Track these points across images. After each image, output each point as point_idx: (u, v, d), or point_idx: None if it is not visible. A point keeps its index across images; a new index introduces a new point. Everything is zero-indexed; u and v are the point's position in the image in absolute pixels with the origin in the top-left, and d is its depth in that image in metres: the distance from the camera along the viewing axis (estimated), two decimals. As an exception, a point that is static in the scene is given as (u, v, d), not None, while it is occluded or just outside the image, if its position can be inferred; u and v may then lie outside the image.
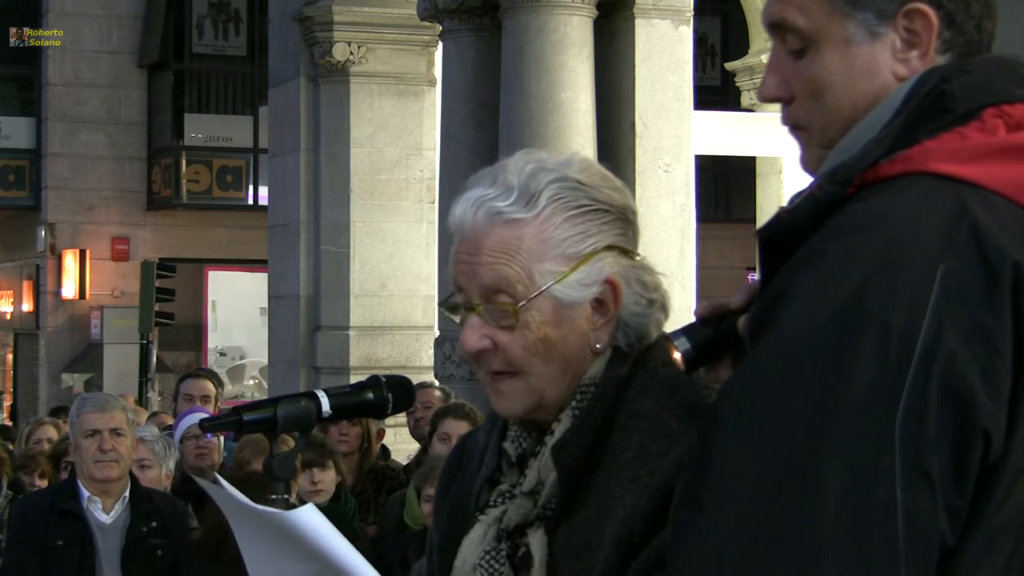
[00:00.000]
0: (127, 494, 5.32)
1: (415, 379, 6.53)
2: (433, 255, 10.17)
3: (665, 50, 8.50)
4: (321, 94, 10.78)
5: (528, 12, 8.17)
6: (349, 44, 10.63)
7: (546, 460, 1.84)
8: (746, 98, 13.46)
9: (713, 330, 1.73)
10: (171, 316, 18.52)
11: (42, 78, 20.86)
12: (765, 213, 12.54)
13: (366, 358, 10.64)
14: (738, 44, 16.84)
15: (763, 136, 11.59)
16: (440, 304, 1.98)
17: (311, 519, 1.86)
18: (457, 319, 1.89)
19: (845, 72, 1.61)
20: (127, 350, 19.14)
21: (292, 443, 2.21)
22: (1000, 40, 1.65)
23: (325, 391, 2.17)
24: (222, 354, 19.51)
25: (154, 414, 10.16)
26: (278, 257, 11.34)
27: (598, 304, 1.85)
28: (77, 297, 20.61)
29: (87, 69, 20.65)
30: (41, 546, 5.17)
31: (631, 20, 8.45)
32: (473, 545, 1.88)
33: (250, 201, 21.03)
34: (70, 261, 20.59)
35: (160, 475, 5.97)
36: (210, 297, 19.51)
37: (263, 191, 18.91)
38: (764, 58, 12.10)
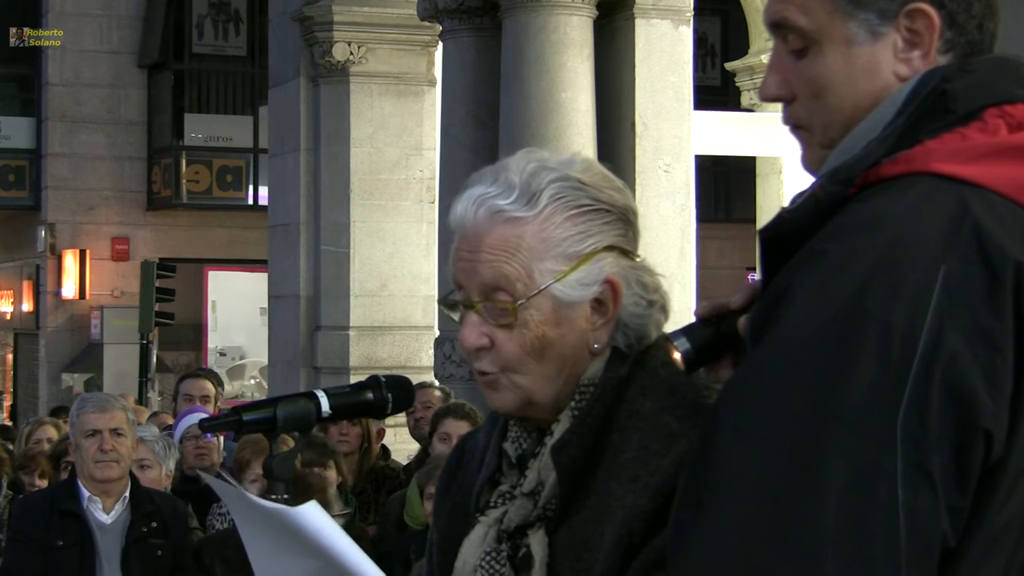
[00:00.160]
0: (127, 494, 5.32)
1: (415, 379, 6.54)
2: (433, 255, 10.17)
3: (665, 50, 8.50)
4: (321, 94, 10.79)
5: (528, 12, 8.17)
6: (349, 44, 10.63)
7: (546, 460, 1.84)
8: (746, 98, 13.46)
9: (713, 330, 1.72)
10: (171, 316, 18.52)
11: (42, 78, 20.86)
12: (765, 213, 12.55)
13: (366, 358, 10.64)
14: (738, 44, 16.84)
15: (763, 136, 11.58)
16: (439, 301, 1.98)
17: (314, 516, 1.86)
18: (456, 316, 1.89)
19: (847, 72, 1.61)
20: (127, 350, 19.14)
21: (292, 443, 2.21)
22: (1001, 40, 1.65)
23: (325, 391, 2.17)
24: (222, 354, 19.51)
25: (154, 414, 10.16)
26: (278, 257, 11.34)
27: (597, 304, 1.84)
28: (77, 297, 20.61)
29: (87, 69, 20.65)
30: (41, 546, 5.17)
31: (631, 20, 8.45)
32: (474, 546, 1.88)
33: (250, 201, 21.04)
34: (70, 261, 20.59)
35: (160, 475, 5.97)
36: (210, 297, 19.51)
37: (263, 191, 18.91)
38: (764, 58, 12.12)
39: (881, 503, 1.37)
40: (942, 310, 1.40)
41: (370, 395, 2.20)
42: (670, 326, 1.88)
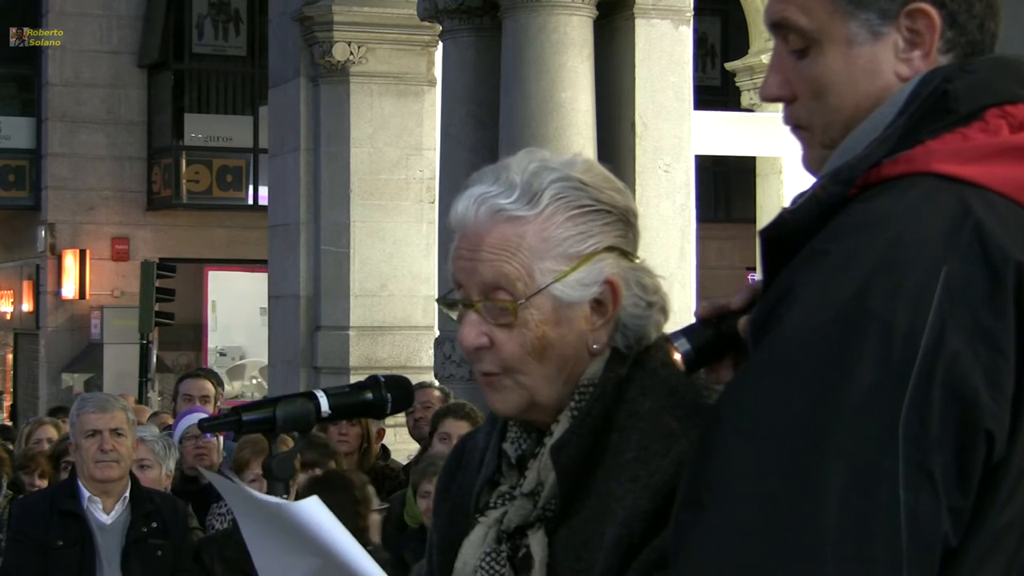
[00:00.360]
0: (127, 494, 5.32)
1: (415, 379, 6.54)
2: (433, 255, 10.17)
3: (665, 50, 8.50)
4: (321, 94, 10.79)
5: (528, 12, 8.17)
6: (349, 44, 10.63)
7: (545, 461, 1.84)
8: (746, 98, 13.46)
9: (713, 331, 1.72)
10: (171, 316, 18.53)
11: (42, 78, 20.87)
12: (765, 213, 12.55)
13: (366, 358, 10.64)
14: (738, 44, 16.85)
15: (763, 136, 11.59)
16: (438, 300, 1.97)
17: (315, 512, 1.86)
18: (455, 315, 1.88)
19: (847, 72, 1.60)
20: (127, 350, 19.14)
21: (291, 443, 2.21)
22: (1002, 40, 1.65)
23: (324, 391, 2.17)
24: (222, 354, 19.52)
25: (154, 414, 10.16)
26: (278, 257, 11.34)
27: (597, 305, 1.84)
28: (77, 297, 20.61)
29: (87, 69, 20.66)
30: (41, 546, 5.17)
31: (631, 20, 8.45)
32: (473, 547, 1.88)
33: (250, 201, 21.04)
34: (70, 261, 20.60)
35: (160, 475, 5.97)
36: (210, 297, 19.52)
37: (263, 191, 18.91)
38: (764, 58, 12.13)
39: (882, 503, 1.36)
40: (943, 310, 1.40)
41: (370, 395, 2.20)
42: (670, 326, 1.88)
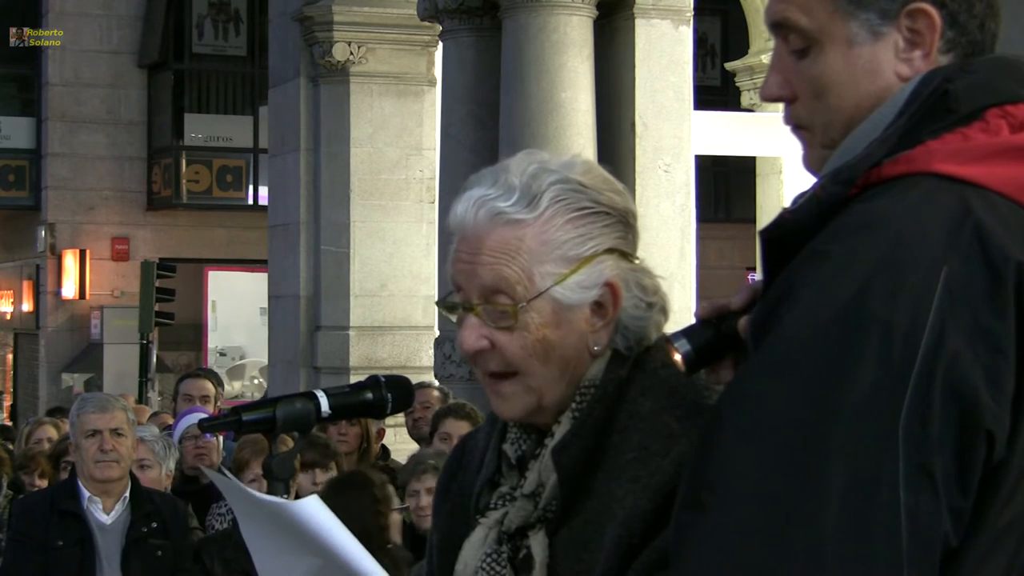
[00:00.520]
0: (127, 494, 5.32)
1: (415, 379, 6.54)
2: (433, 255, 10.17)
3: (665, 50, 8.50)
4: (321, 94, 10.78)
5: (528, 12, 8.17)
6: (349, 44, 10.63)
7: (546, 462, 1.84)
8: (746, 98, 13.46)
9: (713, 331, 1.72)
10: (171, 316, 18.53)
11: (42, 78, 20.86)
12: (765, 213, 12.55)
13: (366, 358, 10.64)
14: (738, 44, 16.84)
15: (763, 136, 11.58)
16: (438, 303, 1.97)
17: (315, 510, 1.86)
18: (454, 318, 1.88)
19: (848, 72, 1.60)
20: (127, 350, 19.14)
21: (291, 443, 2.21)
22: (1002, 40, 1.65)
23: (324, 391, 2.17)
24: (222, 354, 19.53)
25: (155, 414, 10.16)
26: (278, 257, 11.34)
27: (597, 307, 1.84)
28: (77, 297, 20.61)
29: (87, 69, 20.65)
30: (41, 546, 5.17)
31: (631, 20, 8.45)
32: (474, 548, 1.87)
33: (250, 201, 21.04)
34: (70, 261, 20.59)
35: (160, 475, 5.97)
36: (210, 297, 19.53)
37: (263, 191, 18.91)
38: (764, 58, 12.13)
39: (882, 504, 1.36)
40: (944, 310, 1.40)
41: (370, 395, 2.20)
42: (670, 326, 1.87)
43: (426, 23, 9.62)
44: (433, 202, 10.43)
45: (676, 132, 8.50)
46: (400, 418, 7.83)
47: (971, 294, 1.41)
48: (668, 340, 1.76)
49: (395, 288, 10.76)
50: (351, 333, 10.67)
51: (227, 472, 2.12)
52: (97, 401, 5.48)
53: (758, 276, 1.62)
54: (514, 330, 1.82)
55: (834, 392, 1.39)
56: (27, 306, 21.99)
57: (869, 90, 1.60)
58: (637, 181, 8.25)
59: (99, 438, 5.24)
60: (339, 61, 10.62)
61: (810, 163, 1.68)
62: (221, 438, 7.08)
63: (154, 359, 18.99)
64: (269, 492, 2.10)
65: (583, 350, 1.84)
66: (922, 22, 1.59)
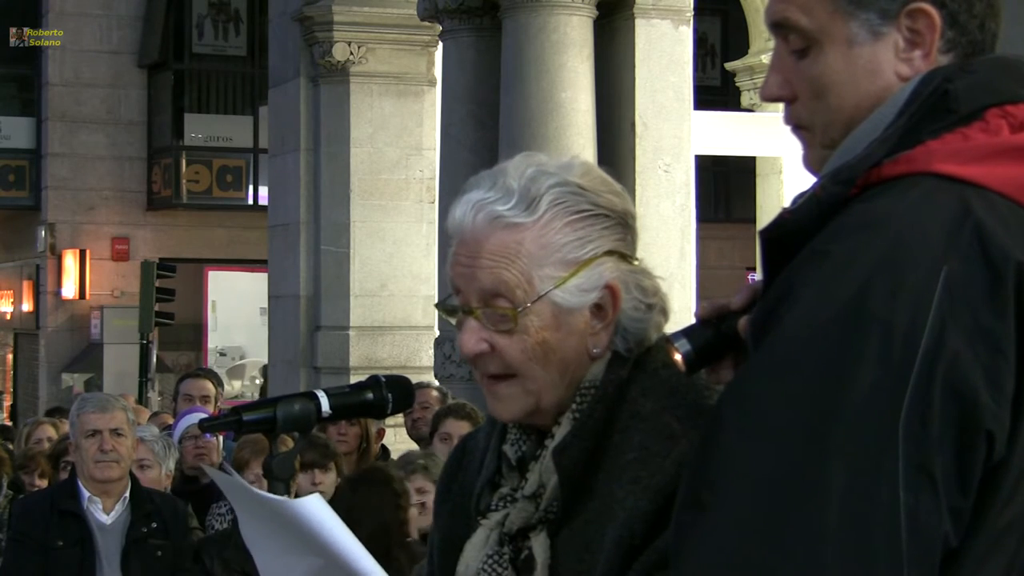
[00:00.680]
0: (127, 494, 5.32)
1: (415, 379, 6.53)
2: (433, 255, 10.17)
3: (665, 50, 8.50)
4: (321, 94, 10.79)
5: (528, 12, 8.17)
6: (349, 44, 10.63)
7: (547, 463, 1.84)
8: (746, 98, 13.46)
9: (713, 331, 1.72)
10: (171, 316, 18.52)
11: (42, 78, 20.86)
12: (765, 213, 12.55)
13: (366, 358, 10.64)
14: (738, 44, 16.84)
15: (763, 136, 11.59)
16: (437, 306, 1.97)
17: (316, 509, 1.86)
18: (454, 321, 1.88)
19: (848, 72, 1.60)
20: (127, 350, 19.14)
21: (292, 443, 2.21)
22: (1002, 40, 1.65)
23: (325, 391, 2.17)
24: (222, 354, 19.52)
25: (155, 414, 10.17)
26: (278, 257, 11.34)
27: (597, 309, 1.84)
28: (77, 297, 20.61)
29: (87, 69, 20.65)
30: (41, 546, 5.17)
31: (631, 20, 8.45)
32: (475, 549, 1.87)
33: (250, 201, 21.04)
34: (70, 261, 20.59)
35: (160, 475, 5.97)
36: (210, 297, 19.51)
37: (263, 191, 18.91)
38: (764, 58, 12.13)
39: (882, 504, 1.36)
40: (944, 310, 1.40)
41: (370, 395, 2.20)
42: (670, 327, 1.87)
43: (426, 23, 9.63)
44: (433, 202, 10.43)
45: (676, 132, 8.50)
46: (400, 418, 7.83)
47: (971, 294, 1.41)
48: (668, 340, 1.76)
49: (395, 288, 10.76)
50: (351, 333, 10.67)
51: (228, 467, 2.12)
52: (97, 401, 5.48)
53: (758, 276, 1.62)
54: (514, 333, 1.81)
55: (834, 392, 1.39)
56: (27, 306, 21.99)
57: (869, 90, 1.60)
58: (637, 181, 8.25)
59: (99, 438, 5.24)
60: (339, 61, 10.62)
61: (810, 163, 1.68)
62: (221, 438, 7.08)
63: (154, 359, 18.99)
64: (270, 492, 2.10)
65: (583, 352, 1.84)
66: (922, 22, 1.59)
